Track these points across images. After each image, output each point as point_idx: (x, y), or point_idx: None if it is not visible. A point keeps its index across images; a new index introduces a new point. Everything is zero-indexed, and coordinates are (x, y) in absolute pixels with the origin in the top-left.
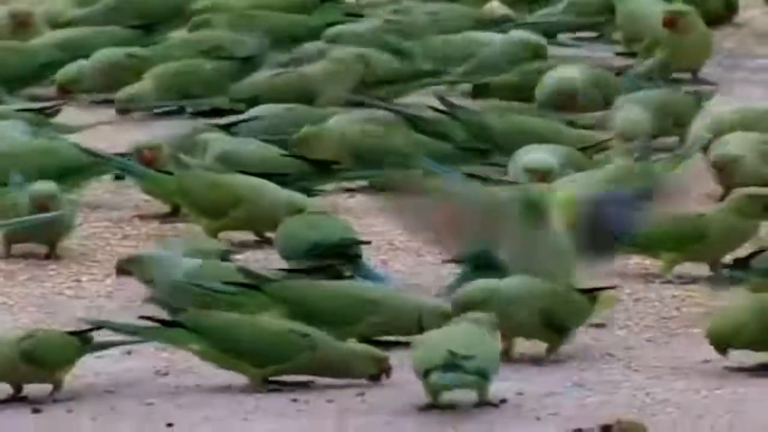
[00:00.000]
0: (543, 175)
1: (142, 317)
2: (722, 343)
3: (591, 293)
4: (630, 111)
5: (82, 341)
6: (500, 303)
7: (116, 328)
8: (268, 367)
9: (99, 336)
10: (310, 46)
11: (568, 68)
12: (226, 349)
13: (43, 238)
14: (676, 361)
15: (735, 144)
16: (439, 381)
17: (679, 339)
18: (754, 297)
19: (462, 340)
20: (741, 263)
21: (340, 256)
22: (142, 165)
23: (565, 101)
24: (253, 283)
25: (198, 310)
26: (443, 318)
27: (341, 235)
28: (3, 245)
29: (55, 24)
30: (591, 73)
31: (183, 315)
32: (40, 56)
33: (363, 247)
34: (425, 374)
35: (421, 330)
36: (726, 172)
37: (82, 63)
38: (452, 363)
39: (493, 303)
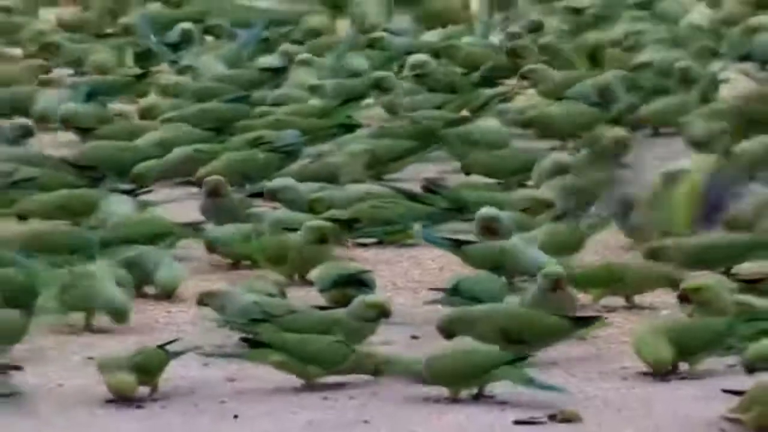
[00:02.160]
0: (489, 222)
1: (243, 338)
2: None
3: (581, 320)
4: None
5: (166, 352)
6: (469, 322)
7: (222, 355)
8: (329, 370)
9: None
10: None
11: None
12: (302, 358)
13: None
14: (602, 368)
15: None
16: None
17: (604, 351)
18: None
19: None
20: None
21: (354, 284)
22: None
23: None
24: (265, 317)
25: (274, 332)
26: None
27: (354, 270)
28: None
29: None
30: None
31: (265, 336)
32: (143, 153)
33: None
34: None
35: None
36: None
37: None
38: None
39: (464, 322)
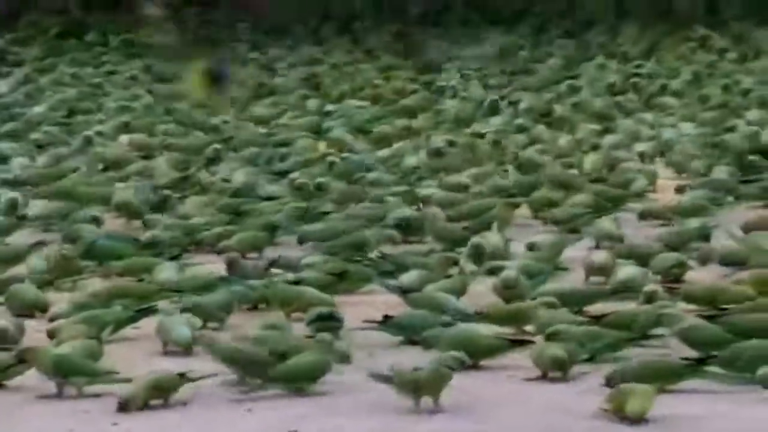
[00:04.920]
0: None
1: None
2: None
3: (514, 341)
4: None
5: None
6: (436, 336)
7: (250, 390)
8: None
9: None
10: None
11: None
12: (298, 378)
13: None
14: (510, 373)
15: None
16: None
17: (508, 361)
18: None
19: None
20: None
21: (329, 319)
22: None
23: None
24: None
25: (277, 365)
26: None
27: (330, 310)
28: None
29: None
30: None
31: (272, 374)
32: (199, 228)
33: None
34: None
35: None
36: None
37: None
38: None
39: (433, 336)
